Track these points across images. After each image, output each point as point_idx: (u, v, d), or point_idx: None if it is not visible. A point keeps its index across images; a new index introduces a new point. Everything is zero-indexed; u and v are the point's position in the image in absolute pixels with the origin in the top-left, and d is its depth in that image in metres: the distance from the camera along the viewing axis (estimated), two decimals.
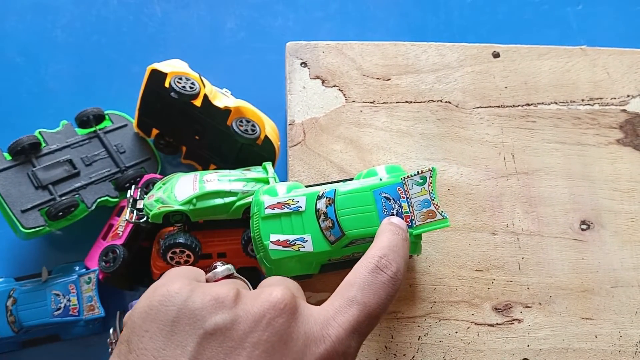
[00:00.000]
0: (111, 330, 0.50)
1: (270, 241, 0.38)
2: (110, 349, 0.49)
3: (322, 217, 0.38)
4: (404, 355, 0.42)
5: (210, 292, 0.27)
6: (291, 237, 0.38)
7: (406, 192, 0.38)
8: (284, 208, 0.39)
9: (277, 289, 0.29)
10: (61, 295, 0.52)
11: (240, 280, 0.33)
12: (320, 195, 0.39)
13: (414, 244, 0.39)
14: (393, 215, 0.38)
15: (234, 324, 0.26)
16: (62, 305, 0.52)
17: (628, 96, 0.49)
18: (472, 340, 0.43)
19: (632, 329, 0.43)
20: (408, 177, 0.38)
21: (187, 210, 0.45)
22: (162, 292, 0.27)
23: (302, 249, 0.38)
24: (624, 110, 0.49)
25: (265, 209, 0.39)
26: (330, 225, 0.38)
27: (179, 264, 0.47)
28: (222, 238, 0.50)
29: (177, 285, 0.28)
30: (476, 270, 0.44)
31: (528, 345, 0.43)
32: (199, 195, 0.45)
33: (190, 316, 0.26)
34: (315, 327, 0.28)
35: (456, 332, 0.43)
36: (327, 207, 0.38)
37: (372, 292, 0.31)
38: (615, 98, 0.49)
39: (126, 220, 0.48)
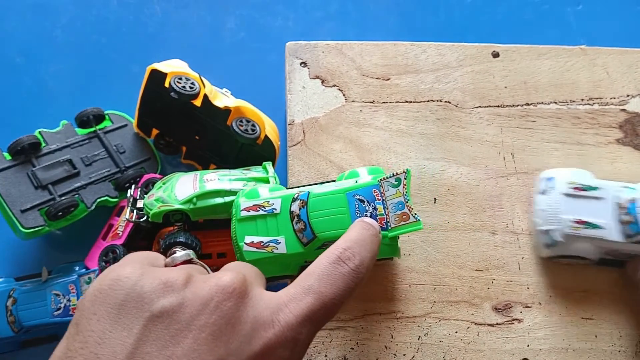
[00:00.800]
0: None
1: (245, 242, 0.39)
2: None
3: (296, 219, 0.38)
4: (404, 355, 0.42)
5: (160, 276, 0.28)
6: (265, 239, 0.39)
7: (382, 194, 0.38)
8: (259, 210, 0.39)
9: (227, 273, 0.29)
10: (61, 295, 0.52)
11: (199, 265, 0.33)
12: (295, 197, 0.39)
13: (391, 246, 0.39)
14: (366, 217, 0.38)
15: (181, 306, 0.27)
16: (62, 305, 0.52)
17: (628, 96, 0.49)
18: (472, 340, 0.43)
19: (632, 329, 0.43)
20: (384, 179, 0.38)
21: (187, 209, 0.45)
22: (112, 276, 0.28)
23: (275, 251, 0.38)
24: (624, 110, 0.49)
25: (241, 211, 0.40)
26: (303, 227, 0.38)
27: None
28: (222, 238, 0.50)
29: (128, 270, 0.28)
30: (476, 270, 0.44)
31: (528, 345, 0.43)
32: (199, 194, 0.45)
33: (138, 299, 0.27)
34: (265, 311, 0.28)
35: (456, 332, 0.43)
36: (300, 209, 0.38)
37: (330, 282, 0.30)
38: (614, 98, 0.49)
39: (126, 219, 0.48)
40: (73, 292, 0.52)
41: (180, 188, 0.47)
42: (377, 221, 0.37)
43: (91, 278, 0.52)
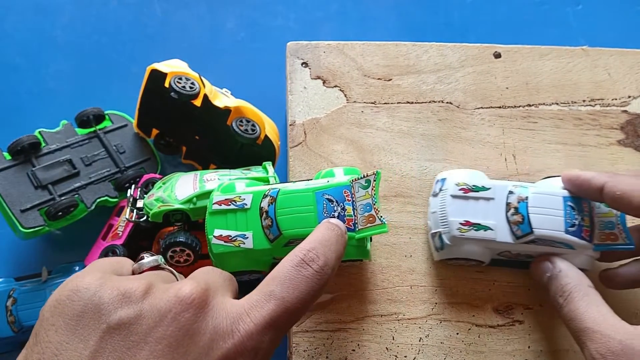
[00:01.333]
0: None
1: (214, 235, 0.39)
2: None
3: (264, 215, 0.38)
4: (405, 356, 0.42)
5: (119, 287, 0.28)
6: (233, 233, 0.39)
7: (352, 195, 0.38)
8: (230, 205, 0.39)
9: (188, 283, 0.29)
10: None
11: (167, 272, 0.32)
12: (265, 193, 0.39)
13: (359, 247, 0.39)
14: (334, 217, 0.37)
15: (138, 318, 0.27)
16: None
17: (629, 97, 0.49)
18: (473, 342, 0.42)
19: None
20: (355, 179, 0.38)
21: (187, 209, 0.45)
22: (71, 286, 0.28)
23: (242, 245, 0.38)
24: (625, 111, 0.49)
25: (213, 204, 0.40)
26: (270, 223, 0.38)
27: (178, 263, 0.48)
28: None
29: (87, 279, 0.28)
30: (477, 271, 0.44)
31: (529, 347, 0.42)
32: (199, 194, 0.45)
33: (96, 310, 0.27)
34: (225, 321, 0.28)
35: (457, 334, 0.43)
36: (269, 205, 0.38)
37: (292, 286, 0.30)
38: (616, 99, 0.49)
39: (126, 219, 0.48)
40: None
41: (180, 188, 0.47)
42: (344, 222, 0.37)
43: None
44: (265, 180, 0.48)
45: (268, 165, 0.49)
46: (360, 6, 0.66)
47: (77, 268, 0.53)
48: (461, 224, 0.40)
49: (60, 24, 0.64)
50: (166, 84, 0.51)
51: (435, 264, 0.44)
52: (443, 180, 0.42)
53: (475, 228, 0.40)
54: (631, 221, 0.40)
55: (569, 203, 0.39)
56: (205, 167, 0.56)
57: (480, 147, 0.48)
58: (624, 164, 0.47)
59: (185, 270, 0.49)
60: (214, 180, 0.47)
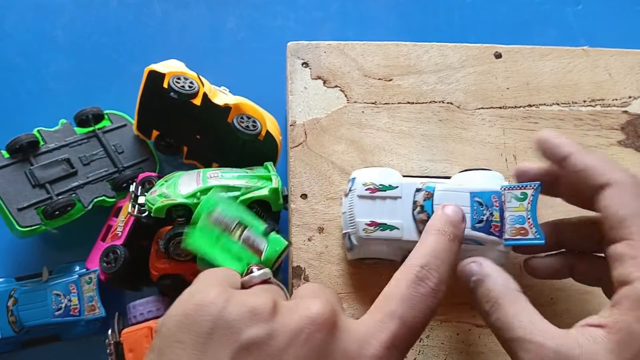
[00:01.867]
0: (109, 332, 0.49)
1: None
2: (108, 350, 0.48)
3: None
4: (406, 357, 0.42)
5: (247, 303, 0.27)
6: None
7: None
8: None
9: (316, 302, 0.28)
10: (62, 295, 0.51)
11: (276, 286, 0.31)
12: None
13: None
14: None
15: (270, 338, 0.26)
16: (63, 305, 0.51)
17: (630, 97, 0.49)
18: (474, 343, 0.42)
19: None
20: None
21: (190, 203, 0.45)
22: (196, 301, 0.27)
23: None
24: (626, 112, 0.49)
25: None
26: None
27: (179, 256, 0.48)
28: None
29: (213, 293, 0.27)
30: None
31: None
32: (202, 189, 0.46)
33: (226, 328, 0.26)
34: (353, 344, 0.27)
35: (457, 334, 0.42)
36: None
37: (411, 305, 0.29)
38: (617, 99, 0.49)
39: (129, 213, 0.48)
40: (74, 292, 0.52)
41: (184, 184, 0.47)
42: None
43: (92, 278, 0.52)
44: (268, 178, 0.48)
45: (270, 165, 0.50)
46: (360, 6, 0.66)
47: (77, 268, 0.53)
48: (367, 224, 0.39)
49: (60, 24, 0.64)
50: (165, 85, 0.50)
51: None
52: (353, 179, 0.42)
53: (381, 228, 0.39)
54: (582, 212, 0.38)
55: (476, 199, 0.38)
56: (207, 166, 0.56)
57: (481, 147, 0.48)
58: (624, 164, 0.47)
59: (186, 266, 0.49)
60: (217, 177, 0.47)
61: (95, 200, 0.53)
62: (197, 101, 0.50)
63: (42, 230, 0.51)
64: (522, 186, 0.38)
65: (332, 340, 0.27)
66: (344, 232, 0.42)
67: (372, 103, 0.49)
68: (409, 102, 0.49)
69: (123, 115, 0.58)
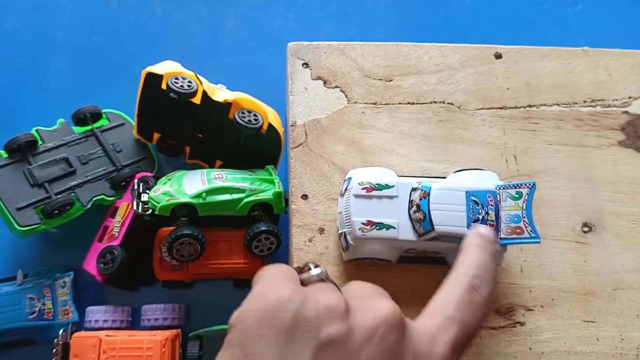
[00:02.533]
0: (61, 331, 0.49)
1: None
2: (54, 350, 0.48)
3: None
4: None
5: (323, 301, 0.27)
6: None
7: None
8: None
9: (385, 302, 0.29)
10: (36, 299, 0.51)
11: (332, 284, 0.32)
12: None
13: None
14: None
15: (348, 335, 0.26)
16: (37, 309, 0.51)
17: (630, 98, 0.49)
18: (475, 343, 0.42)
19: (633, 332, 0.43)
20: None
21: (196, 203, 0.46)
22: (274, 297, 0.27)
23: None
24: (626, 112, 0.49)
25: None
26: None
27: (182, 257, 0.48)
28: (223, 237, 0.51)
29: (289, 291, 0.28)
30: None
31: (530, 348, 0.42)
32: (209, 189, 0.47)
33: (306, 324, 0.26)
34: (422, 344, 0.28)
35: None
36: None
37: (469, 311, 0.31)
38: (617, 100, 0.49)
39: (133, 210, 0.48)
40: (48, 296, 0.51)
41: (188, 183, 0.48)
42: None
43: (66, 282, 0.52)
44: (271, 181, 0.49)
45: (271, 168, 0.51)
46: (360, 6, 0.66)
47: (58, 274, 0.52)
48: (363, 223, 0.39)
49: (60, 24, 0.64)
50: (163, 86, 0.50)
51: (436, 266, 0.44)
52: (349, 179, 0.41)
53: (377, 227, 0.39)
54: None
55: (472, 197, 0.38)
56: (211, 164, 0.56)
57: (481, 148, 0.48)
58: (624, 164, 0.47)
59: (189, 264, 0.49)
60: (221, 178, 0.48)
61: (94, 199, 0.53)
62: (197, 100, 0.50)
63: (41, 229, 0.51)
64: (517, 185, 0.38)
65: (403, 340, 0.28)
66: (339, 232, 0.41)
67: (373, 103, 0.49)
68: (409, 103, 0.49)
69: (121, 114, 0.58)
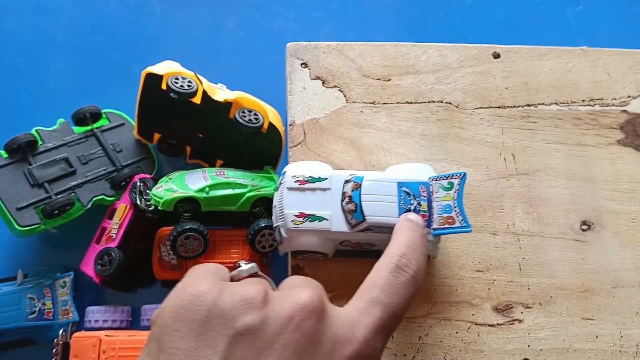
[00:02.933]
0: (61, 331, 0.49)
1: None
2: (54, 350, 0.48)
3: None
4: (405, 355, 0.42)
5: (240, 292, 0.28)
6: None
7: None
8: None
9: (305, 290, 0.29)
10: (36, 299, 0.51)
11: (263, 278, 0.33)
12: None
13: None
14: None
15: (263, 324, 0.27)
16: (37, 309, 0.51)
17: (629, 97, 0.50)
18: (473, 341, 0.42)
19: (632, 329, 0.43)
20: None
21: (200, 197, 0.46)
22: (191, 292, 0.28)
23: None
24: (625, 111, 0.49)
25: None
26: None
27: (185, 253, 0.48)
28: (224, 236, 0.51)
29: (206, 285, 0.28)
30: (477, 270, 0.44)
31: (529, 346, 0.42)
32: (212, 184, 0.47)
33: (221, 316, 0.27)
34: (342, 329, 0.28)
35: (457, 333, 0.42)
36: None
37: (394, 292, 0.31)
38: (615, 99, 0.49)
39: (137, 205, 0.49)
40: (48, 296, 0.51)
41: (190, 181, 0.48)
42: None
43: (66, 282, 0.52)
44: (272, 179, 0.49)
45: (270, 169, 0.52)
46: (360, 6, 0.66)
47: (58, 274, 0.52)
48: (296, 216, 0.39)
49: (60, 24, 0.64)
50: (163, 86, 0.50)
51: (434, 262, 0.44)
52: (284, 173, 0.42)
53: (310, 219, 0.39)
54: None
55: (404, 188, 0.38)
56: (212, 164, 0.56)
57: (480, 146, 0.48)
58: (623, 163, 0.47)
59: (189, 264, 0.50)
60: (223, 175, 0.48)
61: (94, 199, 0.53)
62: (197, 99, 0.50)
63: (41, 229, 0.50)
64: (449, 176, 0.38)
65: (322, 326, 0.28)
66: (274, 225, 0.41)
67: (371, 103, 0.49)
68: (407, 102, 0.49)
69: (121, 114, 0.58)
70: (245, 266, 0.32)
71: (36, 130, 0.54)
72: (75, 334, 0.49)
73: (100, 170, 0.54)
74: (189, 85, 0.50)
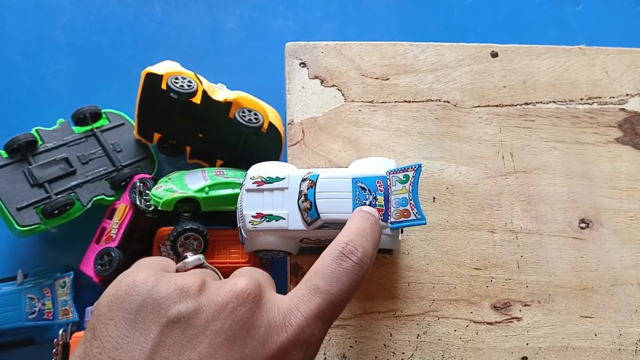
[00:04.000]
0: (61, 331, 0.49)
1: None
2: (54, 350, 0.48)
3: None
4: (403, 353, 0.42)
5: (175, 282, 0.28)
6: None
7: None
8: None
9: (242, 278, 0.29)
10: (36, 299, 0.51)
11: (210, 270, 0.33)
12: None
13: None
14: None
15: (197, 312, 0.27)
16: (37, 309, 0.51)
17: (627, 95, 0.50)
18: (471, 339, 0.42)
19: (631, 327, 0.43)
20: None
21: (200, 197, 0.47)
22: (127, 282, 0.28)
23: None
24: (623, 109, 0.49)
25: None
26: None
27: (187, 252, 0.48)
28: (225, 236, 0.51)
29: (143, 275, 0.28)
30: (475, 268, 0.44)
31: (527, 344, 0.42)
32: (211, 184, 0.48)
33: (154, 305, 0.27)
34: (278, 316, 0.29)
35: (455, 330, 0.42)
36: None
37: (335, 279, 0.31)
38: (614, 97, 0.49)
39: (137, 205, 0.48)
40: (48, 296, 0.52)
41: (190, 181, 0.48)
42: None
43: (66, 282, 0.52)
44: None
45: None
46: (360, 6, 0.66)
47: (58, 274, 0.53)
48: (253, 216, 0.39)
49: (60, 24, 0.65)
50: (163, 86, 0.51)
51: (433, 261, 0.44)
52: (245, 175, 0.42)
53: (267, 219, 0.39)
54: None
55: (359, 184, 0.38)
56: (212, 164, 0.56)
57: (478, 145, 0.48)
58: (621, 161, 0.47)
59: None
60: (222, 174, 0.48)
61: (94, 199, 0.53)
62: (197, 99, 0.50)
63: (41, 229, 0.51)
64: (405, 169, 0.38)
65: (258, 313, 0.28)
66: (238, 226, 0.41)
67: (369, 102, 0.49)
68: (405, 101, 0.49)
69: (121, 114, 0.58)
70: (190, 257, 0.33)
71: (36, 130, 0.54)
72: (75, 334, 0.49)
73: (100, 170, 0.54)
74: (189, 85, 0.50)
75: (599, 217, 0.46)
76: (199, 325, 0.27)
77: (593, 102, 0.49)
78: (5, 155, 0.52)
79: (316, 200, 0.38)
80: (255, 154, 0.53)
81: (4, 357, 0.52)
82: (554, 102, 0.49)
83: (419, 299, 0.43)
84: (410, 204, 0.37)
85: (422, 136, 0.48)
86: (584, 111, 0.49)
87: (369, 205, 0.38)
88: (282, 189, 0.40)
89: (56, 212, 0.50)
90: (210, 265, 0.33)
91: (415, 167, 0.38)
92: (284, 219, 0.39)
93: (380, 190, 0.38)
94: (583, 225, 0.46)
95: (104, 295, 0.28)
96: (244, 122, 0.50)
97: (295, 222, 0.39)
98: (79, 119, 0.56)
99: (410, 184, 0.38)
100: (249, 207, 0.40)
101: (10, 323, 0.50)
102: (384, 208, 0.38)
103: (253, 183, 0.40)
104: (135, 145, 0.57)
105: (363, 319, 0.42)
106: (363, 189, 0.38)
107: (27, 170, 0.52)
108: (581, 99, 0.49)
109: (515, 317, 0.43)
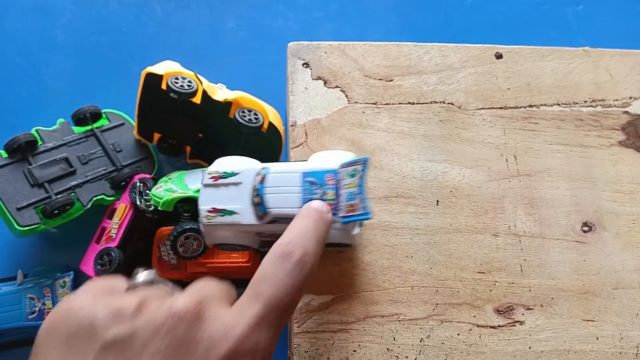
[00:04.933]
0: None
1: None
2: None
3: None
4: (406, 357, 0.42)
5: (112, 305, 0.28)
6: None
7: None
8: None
9: (181, 297, 0.29)
10: (36, 298, 0.51)
11: (162, 285, 0.32)
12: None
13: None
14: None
15: (132, 335, 0.27)
16: (37, 308, 0.51)
17: (630, 98, 0.50)
18: (474, 342, 0.42)
19: (633, 331, 0.43)
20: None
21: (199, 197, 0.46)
22: (65, 307, 0.28)
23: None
24: (626, 112, 0.49)
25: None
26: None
27: (185, 253, 0.48)
28: None
29: (80, 300, 0.28)
30: (478, 272, 0.44)
31: (530, 347, 0.42)
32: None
33: (90, 329, 0.27)
34: (220, 330, 0.28)
35: (458, 334, 0.42)
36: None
37: (276, 282, 0.30)
38: (617, 100, 0.49)
39: (137, 205, 0.48)
40: (48, 296, 0.51)
41: (190, 181, 0.48)
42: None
43: (66, 282, 0.52)
44: None
45: None
46: (360, 6, 0.66)
47: (58, 274, 0.52)
48: (208, 211, 0.39)
49: (60, 24, 0.64)
50: (163, 86, 0.50)
51: (436, 264, 0.44)
52: (204, 170, 0.42)
53: (221, 214, 0.39)
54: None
55: (308, 178, 0.38)
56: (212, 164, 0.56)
57: (482, 147, 0.48)
58: (624, 164, 0.47)
59: (188, 264, 0.50)
60: None
61: (95, 198, 0.53)
62: (197, 99, 0.50)
63: (41, 229, 0.50)
64: (354, 162, 0.38)
65: (198, 329, 0.28)
66: (199, 223, 0.42)
67: (373, 103, 0.49)
68: (409, 103, 0.49)
69: (121, 114, 0.58)
70: (140, 276, 0.32)
71: (36, 130, 0.53)
72: None
73: (100, 170, 0.54)
74: (189, 85, 0.50)
75: (602, 221, 0.46)
76: (134, 348, 0.26)
77: (597, 105, 0.49)
78: (5, 155, 0.52)
79: (264, 195, 0.38)
80: (256, 154, 0.52)
81: (4, 357, 0.52)
82: (558, 104, 0.49)
83: (422, 303, 0.43)
84: (358, 198, 0.37)
85: (426, 138, 0.48)
86: (587, 114, 0.49)
87: (319, 199, 0.38)
88: (236, 184, 0.40)
89: (56, 212, 0.50)
90: (165, 280, 0.33)
91: (362, 161, 0.37)
92: (237, 213, 0.39)
93: (330, 184, 0.38)
94: (586, 228, 0.46)
95: (45, 320, 0.28)
96: (244, 122, 0.49)
97: (248, 216, 0.39)
98: (79, 119, 0.55)
99: (358, 178, 0.37)
100: (204, 202, 0.40)
101: (11, 323, 0.50)
102: (335, 202, 0.37)
103: (210, 178, 0.40)
104: (135, 145, 0.57)
105: (366, 323, 0.42)
106: (312, 183, 0.38)
107: (27, 170, 0.51)
108: (585, 102, 0.49)
109: (518, 321, 0.43)
